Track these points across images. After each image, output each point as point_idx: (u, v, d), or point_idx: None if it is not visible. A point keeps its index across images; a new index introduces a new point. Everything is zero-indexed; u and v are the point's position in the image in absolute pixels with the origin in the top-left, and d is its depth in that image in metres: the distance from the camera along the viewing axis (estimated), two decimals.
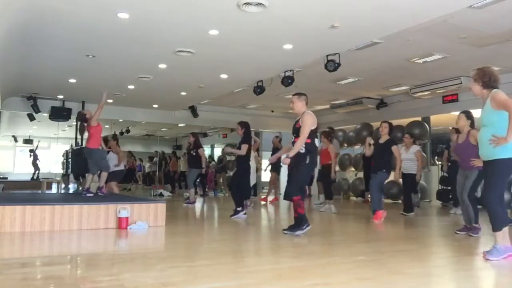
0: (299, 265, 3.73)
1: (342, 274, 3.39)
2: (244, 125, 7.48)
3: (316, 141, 5.32)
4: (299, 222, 5.18)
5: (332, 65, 7.87)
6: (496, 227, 3.90)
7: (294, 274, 3.39)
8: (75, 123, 14.38)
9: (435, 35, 7.02)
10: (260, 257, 4.29)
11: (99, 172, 7.73)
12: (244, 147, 7.30)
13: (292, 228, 5.23)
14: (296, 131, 5.26)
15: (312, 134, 5.20)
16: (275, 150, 11.21)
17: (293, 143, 5.24)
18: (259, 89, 10.27)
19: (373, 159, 7.20)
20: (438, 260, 3.91)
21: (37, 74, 9.92)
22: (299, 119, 5.30)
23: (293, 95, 5.49)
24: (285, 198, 5.48)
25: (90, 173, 7.45)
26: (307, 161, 5.15)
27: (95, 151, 7.38)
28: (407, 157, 8.10)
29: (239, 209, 7.17)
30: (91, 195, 7.08)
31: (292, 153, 5.19)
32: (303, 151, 5.14)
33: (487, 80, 4.00)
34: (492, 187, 3.92)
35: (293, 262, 3.84)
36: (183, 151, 17.08)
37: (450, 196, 9.57)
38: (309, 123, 5.17)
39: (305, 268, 3.59)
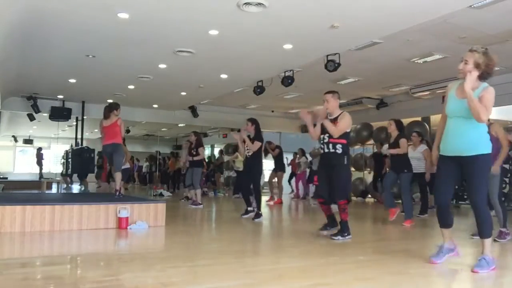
0: (299, 265, 3.73)
1: (342, 274, 3.39)
2: (255, 121, 7.06)
3: None
4: (343, 228, 5.00)
5: (332, 65, 7.87)
6: (486, 233, 3.52)
7: (294, 274, 3.39)
8: (75, 123, 14.41)
9: (435, 35, 7.02)
10: (260, 257, 4.29)
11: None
12: (257, 144, 6.89)
13: (336, 233, 5.01)
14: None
15: (348, 137, 5.07)
16: (267, 153, 11.14)
17: (325, 143, 5.02)
18: (259, 89, 10.27)
19: (392, 162, 6.99)
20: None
21: (37, 74, 9.92)
22: (335, 118, 5.02)
23: (326, 93, 5.11)
24: (315, 197, 5.28)
25: (118, 171, 6.86)
26: (345, 162, 5.01)
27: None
28: (414, 155, 7.93)
29: (250, 209, 7.14)
30: (122, 196, 6.71)
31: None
32: (339, 151, 4.98)
33: (488, 71, 3.45)
34: (480, 187, 3.50)
35: (293, 262, 3.84)
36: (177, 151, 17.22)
37: None
38: (347, 122, 5.01)
39: (305, 268, 3.59)
